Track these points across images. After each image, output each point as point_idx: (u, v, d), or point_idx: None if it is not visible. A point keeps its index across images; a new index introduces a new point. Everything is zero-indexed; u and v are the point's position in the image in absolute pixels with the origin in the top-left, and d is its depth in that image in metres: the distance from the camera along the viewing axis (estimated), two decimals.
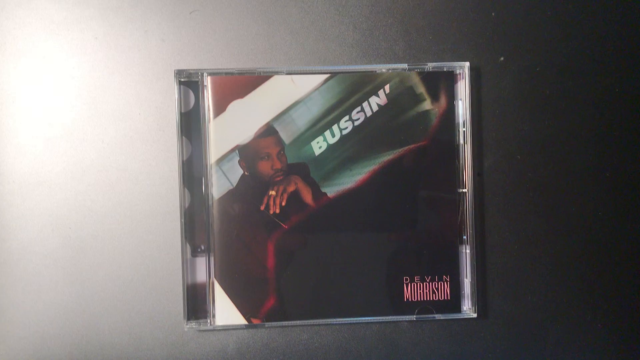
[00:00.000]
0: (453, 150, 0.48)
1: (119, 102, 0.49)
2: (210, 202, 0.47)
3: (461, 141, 0.48)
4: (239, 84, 0.47)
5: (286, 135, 0.48)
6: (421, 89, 0.48)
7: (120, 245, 0.49)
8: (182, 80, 0.48)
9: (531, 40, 0.50)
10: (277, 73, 0.47)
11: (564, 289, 0.50)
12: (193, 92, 0.48)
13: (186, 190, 0.48)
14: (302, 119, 0.48)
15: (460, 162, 0.48)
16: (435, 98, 0.48)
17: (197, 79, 0.47)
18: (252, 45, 0.49)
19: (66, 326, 0.48)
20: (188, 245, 0.48)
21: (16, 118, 0.48)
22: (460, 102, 0.48)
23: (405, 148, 0.48)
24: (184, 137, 0.48)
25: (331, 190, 0.48)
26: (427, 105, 0.48)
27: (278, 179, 0.47)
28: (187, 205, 0.48)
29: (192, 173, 0.48)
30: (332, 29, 0.49)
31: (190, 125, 0.48)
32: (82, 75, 0.49)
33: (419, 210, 0.48)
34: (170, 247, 0.49)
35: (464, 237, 0.48)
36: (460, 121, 0.48)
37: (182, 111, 0.48)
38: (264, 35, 0.49)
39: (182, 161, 0.48)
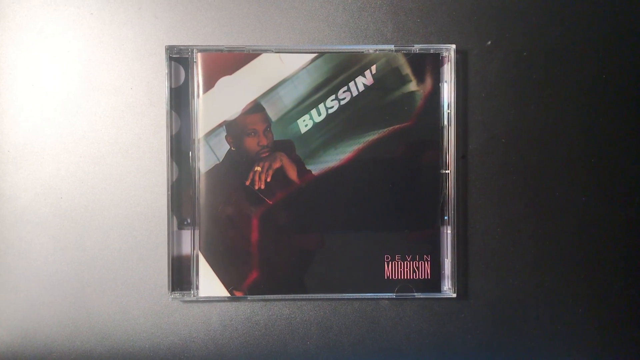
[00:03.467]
0: (437, 131, 0.49)
1: (111, 76, 0.50)
2: (197, 176, 0.48)
3: (445, 123, 0.48)
4: (228, 61, 0.48)
5: (273, 112, 0.48)
6: (407, 70, 0.49)
7: (109, 216, 0.50)
8: (173, 56, 0.48)
9: (519, 24, 0.50)
10: (265, 51, 0.48)
11: (546, 272, 0.50)
12: (183, 68, 0.49)
13: (174, 164, 0.49)
14: (289, 97, 0.48)
15: (444, 143, 0.49)
16: (421, 80, 0.49)
17: (187, 55, 0.48)
18: (242, 24, 0.50)
19: (54, 293, 0.50)
20: (174, 217, 0.49)
21: (13, 90, 0.50)
22: (445, 85, 0.48)
23: (390, 128, 0.49)
24: (173, 112, 0.48)
25: (316, 167, 0.48)
26: (412, 86, 0.49)
27: (264, 155, 0.48)
28: (174, 178, 0.49)
29: (180, 147, 0.48)
30: (322, 9, 0.50)
31: (180, 101, 0.48)
32: (77, 50, 0.50)
33: (402, 190, 0.48)
34: (157, 219, 0.50)
35: (446, 218, 0.49)
36: (445, 103, 0.48)
37: (173, 86, 0.48)
38: (254, 14, 0.50)
39: (171, 135, 0.48)
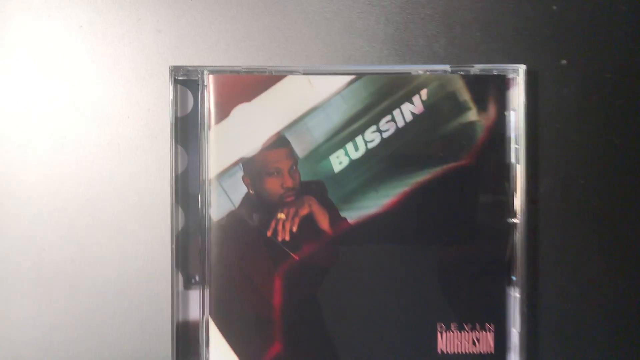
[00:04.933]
0: (502, 171, 0.41)
1: (104, 102, 0.42)
2: (207, 225, 0.40)
3: (512, 160, 0.41)
4: (246, 85, 0.40)
5: (300, 147, 0.40)
6: (465, 95, 0.40)
7: (102, 273, 0.41)
8: (179, 78, 0.41)
9: (600, 39, 0.41)
10: (291, 73, 0.40)
11: (631, 343, 0.41)
12: (192, 93, 0.41)
13: (180, 209, 0.41)
14: (320, 129, 0.40)
15: (511, 185, 0.41)
16: (482, 107, 0.41)
17: (196, 78, 0.41)
18: (262, 40, 0.41)
19: None
20: (180, 275, 0.41)
21: None
22: (512, 113, 0.41)
23: (444, 167, 0.40)
24: (179, 145, 0.41)
25: (352, 215, 0.40)
26: (472, 115, 0.40)
27: (289, 199, 0.40)
28: (180, 227, 0.41)
29: (187, 189, 0.41)
30: (359, 21, 0.41)
31: (188, 132, 0.41)
32: (64, 70, 0.41)
33: (459, 243, 0.40)
34: (159, 277, 0.42)
35: (513, 278, 0.40)
36: (512, 136, 0.41)
37: (179, 115, 0.41)
38: (277, 28, 0.41)
39: (176, 175, 0.41)
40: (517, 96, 0.41)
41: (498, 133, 0.41)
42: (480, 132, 0.41)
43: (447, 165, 0.41)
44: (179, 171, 0.41)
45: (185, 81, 0.41)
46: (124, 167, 0.42)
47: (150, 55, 0.42)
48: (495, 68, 0.41)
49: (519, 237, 0.40)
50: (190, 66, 0.41)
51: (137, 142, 0.42)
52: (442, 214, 0.41)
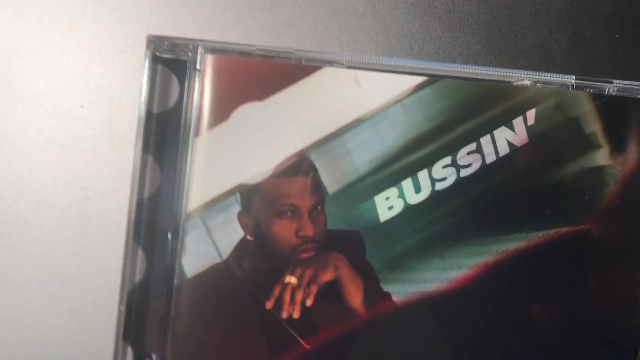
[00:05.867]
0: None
1: (49, 84, 0.29)
2: (176, 281, 0.27)
3: None
4: (260, 75, 0.27)
5: (331, 177, 0.27)
6: (595, 126, 0.27)
7: (15, 340, 0.27)
8: (161, 56, 0.28)
9: None
10: (330, 64, 0.27)
11: None
12: (178, 79, 0.28)
13: (140, 252, 0.28)
14: (365, 153, 0.27)
15: None
16: (618, 146, 0.27)
17: (186, 57, 0.28)
18: (290, 11, 0.28)
19: None
20: (130, 350, 0.28)
21: None
22: None
23: (553, 232, 0.27)
24: (149, 156, 0.28)
25: (401, 290, 0.27)
26: (602, 157, 0.28)
27: (306, 255, 0.27)
28: (137, 279, 0.28)
29: (154, 223, 0.28)
30: None
31: (165, 138, 0.28)
32: None
33: (567, 343, 0.27)
34: (102, 351, 0.28)
35: None
36: None
37: (154, 111, 0.28)
38: None
39: (140, 199, 0.28)
40: None
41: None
42: (612, 184, 0.27)
43: (558, 230, 0.27)
44: (145, 195, 0.28)
45: (170, 61, 0.28)
46: (66, 179, 0.28)
47: (122, 20, 0.28)
48: None
49: None
50: (178, 38, 0.27)
51: (90, 145, 0.29)
52: (543, 304, 0.27)
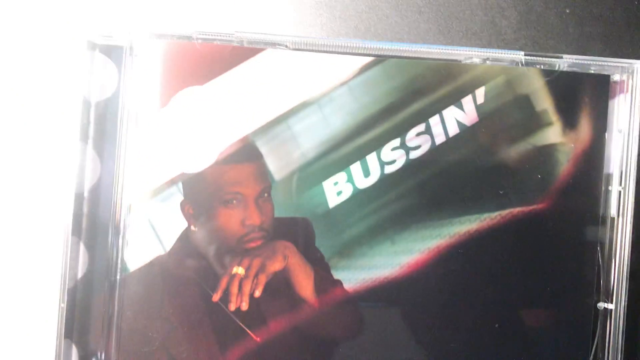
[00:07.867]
0: (595, 226, 0.27)
1: None
2: (119, 276, 0.27)
3: (613, 212, 0.27)
4: (200, 59, 0.27)
5: (277, 163, 0.27)
6: (546, 102, 0.27)
7: None
8: (99, 42, 0.27)
9: None
10: (273, 45, 0.27)
11: None
12: (117, 65, 0.27)
13: (81, 247, 0.27)
14: (311, 137, 0.27)
15: (605, 252, 0.27)
16: (570, 123, 0.27)
17: (123, 42, 0.27)
18: None
19: None
20: (75, 349, 0.27)
21: None
22: (620, 135, 0.27)
23: (505, 213, 0.27)
24: (89, 148, 0.27)
25: (351, 277, 0.27)
26: (553, 135, 0.27)
27: (253, 244, 0.27)
28: (79, 275, 0.27)
29: (95, 217, 0.27)
30: None
31: (104, 128, 0.27)
32: None
33: (520, 332, 0.27)
34: (44, 349, 0.27)
35: None
36: (616, 172, 0.27)
37: (93, 99, 0.27)
38: None
39: (81, 192, 0.27)
40: (628, 109, 0.27)
41: (592, 165, 0.27)
42: (564, 163, 0.27)
43: (509, 211, 0.27)
44: (86, 187, 0.27)
45: (107, 48, 0.27)
46: (2, 173, 0.27)
47: (58, 5, 0.27)
48: (595, 63, 0.27)
49: (612, 329, 0.27)
50: (115, 23, 0.26)
51: (24, 138, 0.27)
52: (495, 286, 0.27)
